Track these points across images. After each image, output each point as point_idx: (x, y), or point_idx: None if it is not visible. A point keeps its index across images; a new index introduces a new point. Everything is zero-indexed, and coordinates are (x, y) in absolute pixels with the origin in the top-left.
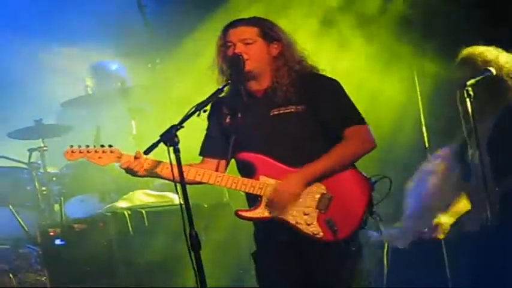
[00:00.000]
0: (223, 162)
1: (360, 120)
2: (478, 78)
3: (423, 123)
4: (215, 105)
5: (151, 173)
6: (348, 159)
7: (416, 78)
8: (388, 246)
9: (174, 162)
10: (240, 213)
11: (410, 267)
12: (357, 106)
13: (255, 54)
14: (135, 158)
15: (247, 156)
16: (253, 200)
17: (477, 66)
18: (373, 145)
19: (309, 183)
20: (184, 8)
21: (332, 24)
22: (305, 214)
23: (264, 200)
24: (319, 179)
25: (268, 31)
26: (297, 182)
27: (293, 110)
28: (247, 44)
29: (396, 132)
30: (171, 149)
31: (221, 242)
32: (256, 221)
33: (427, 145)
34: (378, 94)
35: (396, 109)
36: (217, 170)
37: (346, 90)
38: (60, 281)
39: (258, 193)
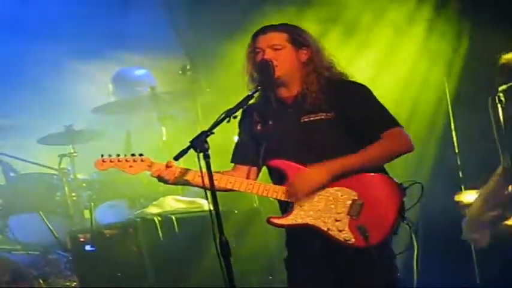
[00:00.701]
0: (254, 169)
1: (394, 122)
2: (510, 84)
3: (452, 128)
4: (246, 111)
5: (183, 180)
6: (381, 158)
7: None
8: (418, 251)
9: (204, 168)
10: (272, 220)
11: (440, 273)
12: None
13: (285, 60)
14: (167, 166)
15: (278, 163)
16: (285, 206)
17: None
18: (410, 146)
19: (334, 176)
20: (215, 16)
21: None
22: (337, 220)
23: (295, 206)
24: (348, 174)
25: (297, 37)
26: (321, 171)
27: (323, 117)
28: (277, 49)
29: (427, 137)
30: (201, 155)
31: (251, 248)
32: (288, 228)
33: (456, 150)
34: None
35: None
36: (248, 177)
37: (374, 95)
38: (90, 287)
39: (290, 200)
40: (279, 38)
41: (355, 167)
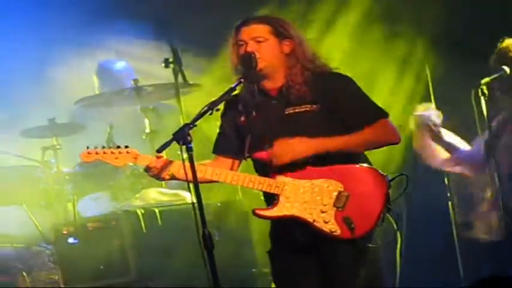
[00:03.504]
0: (237, 161)
1: (382, 113)
2: (492, 77)
3: None
4: (230, 103)
5: (168, 173)
6: (367, 144)
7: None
8: (401, 245)
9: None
10: (257, 212)
11: (422, 267)
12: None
13: (267, 52)
14: (157, 157)
15: (263, 155)
16: (270, 198)
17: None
18: (397, 137)
19: (318, 151)
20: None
21: None
22: (322, 212)
23: (281, 197)
24: (336, 161)
25: (279, 29)
26: (306, 143)
27: (308, 109)
28: (259, 42)
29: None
30: (184, 147)
31: (234, 240)
32: (273, 220)
33: None
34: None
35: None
36: (231, 169)
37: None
38: (73, 280)
39: (275, 192)
40: (261, 30)
41: (338, 147)
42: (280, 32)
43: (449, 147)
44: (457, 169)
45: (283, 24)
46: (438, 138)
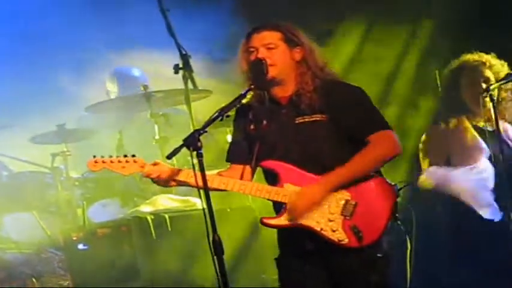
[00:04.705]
0: (248, 168)
1: (384, 125)
2: (501, 82)
3: None
4: (241, 110)
5: (176, 181)
6: (371, 165)
7: None
8: (411, 248)
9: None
10: (265, 221)
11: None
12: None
13: (279, 59)
14: (153, 165)
15: (271, 164)
16: (278, 207)
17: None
18: (398, 150)
19: (331, 190)
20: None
21: None
22: (330, 220)
23: (288, 207)
24: (343, 186)
25: (290, 36)
26: (319, 189)
27: (318, 118)
28: (270, 48)
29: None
30: (194, 153)
31: (244, 246)
32: (281, 228)
33: None
34: None
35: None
36: (242, 176)
37: (369, 97)
38: (83, 286)
39: (283, 200)
40: (272, 37)
41: (350, 179)
42: (291, 39)
43: None
44: None
45: (293, 31)
46: None
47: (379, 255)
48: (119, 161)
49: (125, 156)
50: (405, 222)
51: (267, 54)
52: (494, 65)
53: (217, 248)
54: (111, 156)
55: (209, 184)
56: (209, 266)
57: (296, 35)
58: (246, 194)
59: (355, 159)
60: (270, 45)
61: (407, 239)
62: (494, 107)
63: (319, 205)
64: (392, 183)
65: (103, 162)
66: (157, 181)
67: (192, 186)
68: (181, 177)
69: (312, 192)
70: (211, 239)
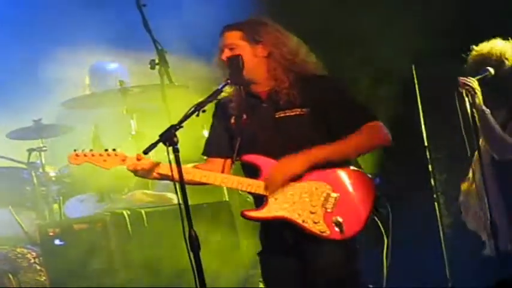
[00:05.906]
0: (228, 161)
1: (372, 116)
2: (477, 78)
3: (422, 122)
4: (221, 104)
5: (156, 174)
6: (357, 150)
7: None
8: (388, 245)
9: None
10: (246, 213)
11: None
12: None
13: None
14: (137, 159)
15: (252, 158)
16: (259, 200)
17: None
18: (387, 140)
19: (311, 164)
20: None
21: None
22: (311, 213)
23: (269, 198)
24: (325, 164)
25: (251, 33)
26: (299, 160)
27: (298, 112)
28: (232, 49)
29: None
30: (170, 149)
31: (222, 241)
32: (262, 221)
33: (426, 143)
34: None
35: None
36: (223, 170)
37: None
38: (60, 281)
39: (264, 193)
40: (232, 37)
41: (330, 158)
42: (252, 36)
43: None
44: None
45: (256, 27)
46: None
47: (358, 247)
48: (100, 155)
49: (106, 150)
50: (382, 217)
51: (229, 55)
52: None
53: (193, 244)
54: (91, 150)
55: (190, 178)
56: (186, 262)
57: (257, 30)
58: (228, 187)
59: (341, 141)
60: (231, 46)
61: (384, 234)
62: (469, 102)
63: (294, 176)
64: (371, 177)
65: (84, 155)
66: (141, 174)
67: (172, 180)
68: (161, 170)
69: (292, 163)
70: (187, 234)
